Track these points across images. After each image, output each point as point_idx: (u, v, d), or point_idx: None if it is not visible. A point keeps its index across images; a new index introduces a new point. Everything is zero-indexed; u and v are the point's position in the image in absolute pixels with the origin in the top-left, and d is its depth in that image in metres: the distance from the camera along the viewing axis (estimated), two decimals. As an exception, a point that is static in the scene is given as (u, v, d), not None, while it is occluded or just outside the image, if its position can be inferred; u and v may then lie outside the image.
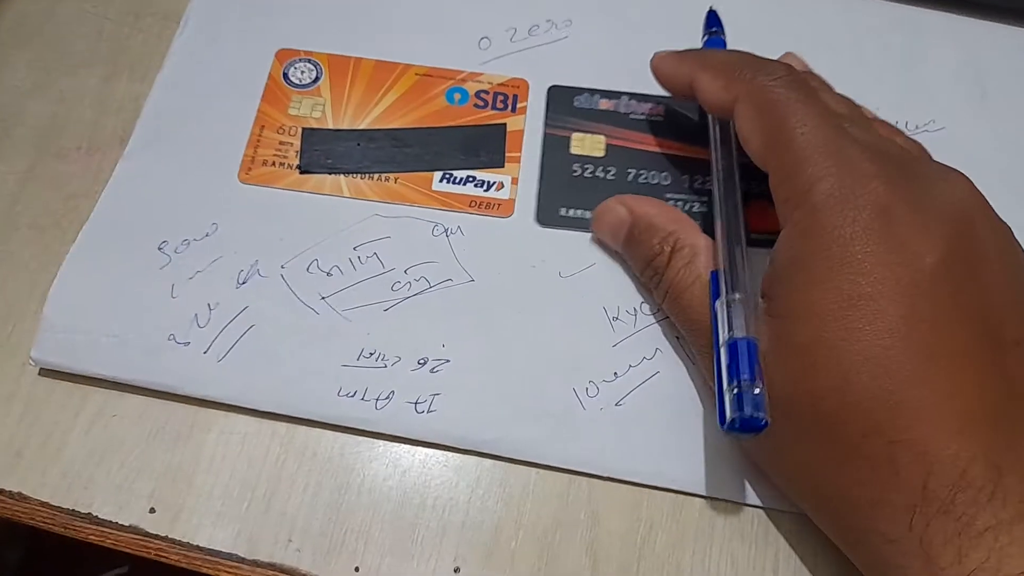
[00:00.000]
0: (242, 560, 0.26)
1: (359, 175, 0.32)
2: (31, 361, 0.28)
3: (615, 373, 0.28)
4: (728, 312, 0.25)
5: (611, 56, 0.34)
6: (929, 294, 0.23)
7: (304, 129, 0.33)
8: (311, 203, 0.31)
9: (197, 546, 0.26)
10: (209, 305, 0.29)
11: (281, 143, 0.32)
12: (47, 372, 0.28)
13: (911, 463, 0.22)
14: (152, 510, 0.26)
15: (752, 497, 0.27)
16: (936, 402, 0.22)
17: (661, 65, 0.31)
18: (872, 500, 0.22)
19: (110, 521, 0.26)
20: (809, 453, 0.24)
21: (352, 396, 0.28)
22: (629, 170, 0.32)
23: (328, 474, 0.27)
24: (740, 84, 0.27)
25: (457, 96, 0.33)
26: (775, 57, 0.32)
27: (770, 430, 0.23)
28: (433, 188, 0.32)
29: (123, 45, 0.35)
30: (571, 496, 0.27)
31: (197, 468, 0.27)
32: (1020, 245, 0.26)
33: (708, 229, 0.28)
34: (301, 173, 0.32)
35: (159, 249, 0.30)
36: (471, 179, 0.32)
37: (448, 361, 0.28)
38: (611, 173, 0.32)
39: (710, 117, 0.30)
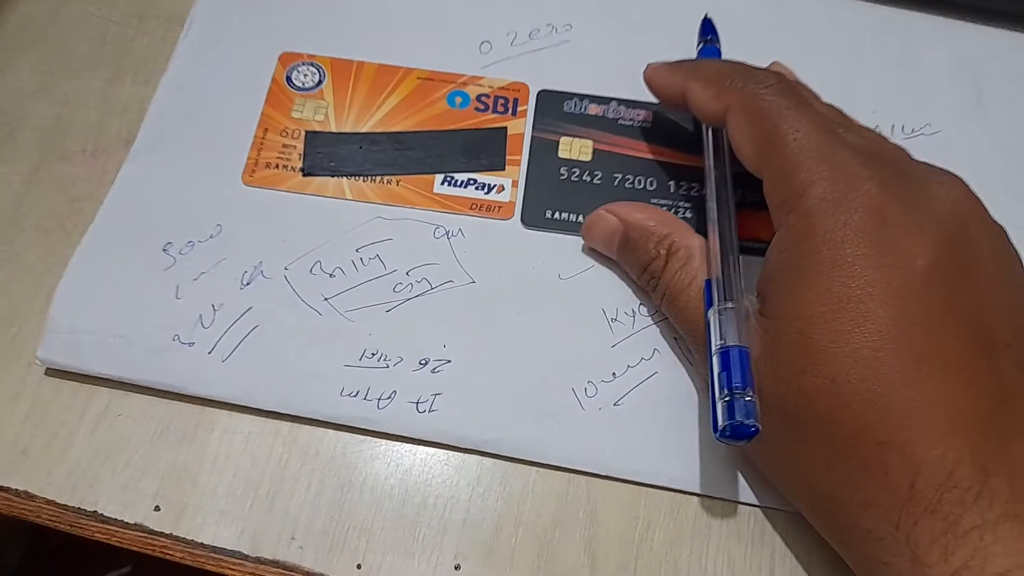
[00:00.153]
0: (246, 557, 0.26)
1: (361, 178, 0.32)
2: (37, 361, 0.28)
3: (613, 373, 0.29)
4: (720, 320, 0.25)
5: (610, 60, 0.35)
6: (921, 296, 0.23)
7: (307, 132, 0.33)
8: (314, 205, 0.31)
9: (201, 544, 0.26)
10: (213, 306, 0.29)
11: (284, 146, 0.33)
12: (53, 372, 0.29)
13: (899, 464, 0.22)
14: (157, 508, 0.27)
15: (748, 496, 0.27)
16: (925, 404, 0.22)
17: (654, 76, 0.31)
18: (861, 499, 0.23)
19: (115, 519, 0.27)
20: (802, 453, 0.24)
21: (354, 396, 0.28)
22: (616, 175, 0.32)
23: (331, 473, 0.27)
24: (731, 93, 0.27)
25: (458, 100, 0.34)
26: (770, 61, 0.32)
27: (764, 430, 0.23)
28: (435, 191, 0.32)
29: (127, 48, 0.35)
30: (570, 495, 0.27)
31: (201, 467, 0.27)
32: (1014, 247, 0.26)
33: (697, 232, 0.29)
34: (304, 176, 0.32)
35: (164, 250, 0.30)
36: (472, 182, 0.32)
37: (449, 361, 0.29)
38: (598, 177, 0.32)
39: (703, 127, 0.31)
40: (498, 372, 0.29)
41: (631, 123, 0.34)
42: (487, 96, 0.34)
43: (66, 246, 0.30)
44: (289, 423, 0.28)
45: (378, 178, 0.32)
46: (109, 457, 0.27)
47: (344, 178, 0.32)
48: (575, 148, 0.33)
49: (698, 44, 0.33)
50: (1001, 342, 0.23)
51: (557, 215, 0.31)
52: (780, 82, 0.27)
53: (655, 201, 0.32)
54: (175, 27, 0.35)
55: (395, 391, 0.28)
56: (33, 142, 0.33)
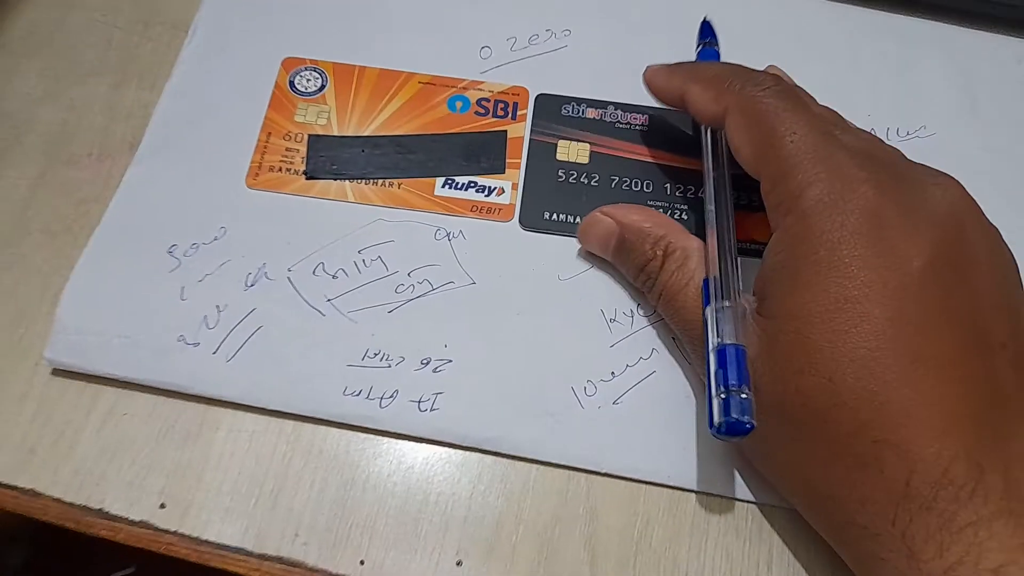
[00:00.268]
0: (250, 554, 0.26)
1: (364, 181, 0.32)
2: (44, 361, 0.29)
3: (612, 373, 0.29)
4: (717, 318, 0.25)
5: (608, 65, 0.35)
6: (917, 297, 0.23)
7: (310, 136, 0.33)
8: (317, 208, 0.32)
9: (206, 540, 0.27)
10: (218, 307, 0.30)
11: (287, 149, 0.33)
12: (60, 372, 0.29)
13: (895, 461, 0.22)
14: (162, 506, 0.27)
15: (746, 493, 0.27)
16: (920, 403, 0.22)
17: (653, 79, 0.31)
18: (858, 497, 0.23)
19: (121, 517, 0.27)
20: (798, 451, 0.24)
21: (357, 395, 0.28)
22: (612, 177, 0.33)
23: (334, 471, 0.28)
24: (730, 95, 0.28)
25: (459, 104, 0.34)
26: (768, 63, 0.32)
27: (761, 428, 0.23)
28: (435, 193, 0.32)
29: (132, 54, 0.36)
30: (570, 492, 0.28)
31: (206, 465, 0.28)
32: (1009, 248, 0.26)
33: (693, 234, 0.29)
34: (307, 179, 0.32)
35: (169, 253, 0.31)
36: (472, 184, 0.32)
37: (450, 361, 0.29)
38: (595, 180, 0.33)
39: (702, 129, 0.31)
40: (498, 372, 0.29)
41: (628, 126, 0.34)
42: (487, 100, 0.34)
43: (72, 249, 0.31)
44: (293, 422, 0.28)
45: (380, 181, 0.32)
46: (115, 456, 0.28)
47: (346, 181, 0.32)
48: (573, 151, 0.33)
49: (697, 46, 0.34)
50: (996, 342, 0.24)
51: (555, 217, 0.32)
52: (778, 84, 0.27)
53: (651, 203, 0.32)
54: (180, 33, 0.36)
55: (397, 390, 0.28)
56: (40, 147, 0.33)
